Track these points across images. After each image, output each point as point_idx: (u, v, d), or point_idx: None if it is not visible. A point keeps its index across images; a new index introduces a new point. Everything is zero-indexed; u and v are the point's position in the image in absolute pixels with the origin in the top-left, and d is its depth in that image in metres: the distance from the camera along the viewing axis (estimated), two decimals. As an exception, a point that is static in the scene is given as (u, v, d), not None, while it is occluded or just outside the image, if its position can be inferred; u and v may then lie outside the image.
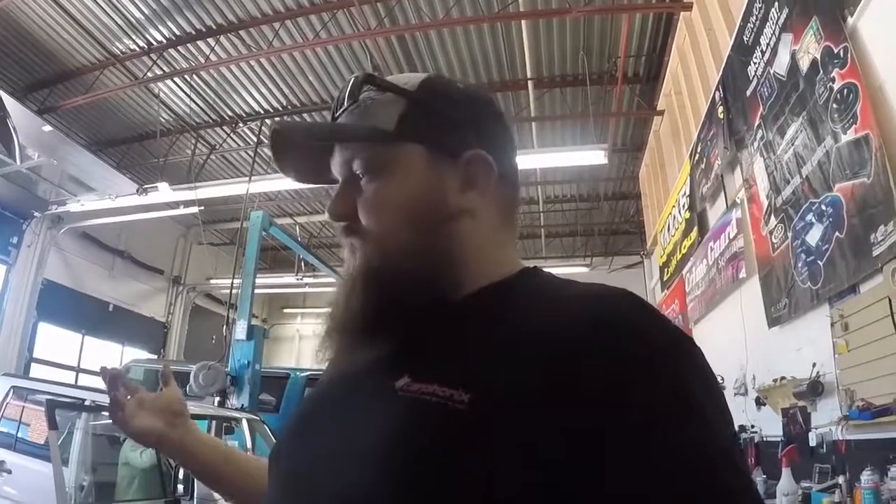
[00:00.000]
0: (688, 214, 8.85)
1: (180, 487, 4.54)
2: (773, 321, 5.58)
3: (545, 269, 0.87)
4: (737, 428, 4.34)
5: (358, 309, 0.80)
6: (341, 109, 0.89)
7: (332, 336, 0.84)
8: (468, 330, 0.75)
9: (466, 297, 0.81)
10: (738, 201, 6.72)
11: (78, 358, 13.23)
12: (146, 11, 9.17)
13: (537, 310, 0.73)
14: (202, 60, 10.00)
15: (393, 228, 0.81)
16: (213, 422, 6.14)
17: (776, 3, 5.11)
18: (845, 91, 4.13)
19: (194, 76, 10.62)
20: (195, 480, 4.26)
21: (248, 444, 6.89)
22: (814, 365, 4.61)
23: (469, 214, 0.84)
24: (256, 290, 8.29)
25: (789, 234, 5.22)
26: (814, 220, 4.74)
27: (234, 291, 8.95)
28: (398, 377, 0.71)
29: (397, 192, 0.82)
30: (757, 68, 5.67)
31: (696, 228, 8.48)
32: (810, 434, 4.46)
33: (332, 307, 0.85)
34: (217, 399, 7.23)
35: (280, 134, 0.89)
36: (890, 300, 3.70)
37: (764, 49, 5.45)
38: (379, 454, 0.65)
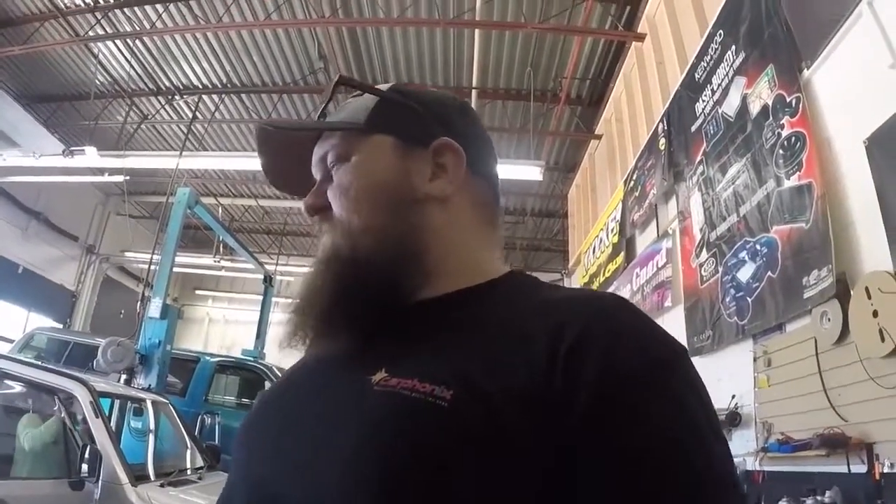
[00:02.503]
0: (616, 239, 9.09)
1: (85, 467, 4.34)
2: (694, 351, 5.76)
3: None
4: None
5: (325, 291, 0.80)
6: (321, 109, 0.91)
7: (299, 321, 0.82)
8: (450, 328, 0.74)
9: (449, 295, 0.80)
10: (671, 232, 6.94)
11: (-20, 318, 12.59)
12: (98, -33, 8.80)
13: (525, 311, 0.72)
14: (147, 26, 9.64)
15: (359, 210, 0.82)
16: (119, 400, 5.90)
17: (733, 47, 5.31)
18: (793, 139, 4.33)
19: (137, 41, 10.24)
20: (101, 460, 4.08)
21: (152, 426, 6.68)
22: (733, 396, 4.80)
23: (438, 202, 0.84)
24: (173, 269, 8.05)
25: (720, 269, 5.43)
26: (747, 258, 4.95)
27: (151, 267, 8.68)
28: (374, 371, 0.69)
29: (363, 177, 0.83)
30: (705, 106, 5.88)
31: (623, 253, 8.71)
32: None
33: (301, 291, 0.83)
34: (124, 377, 6.98)
35: (264, 130, 0.89)
36: (816, 341, 3.89)
37: (715, 88, 5.66)
38: (356, 450, 0.63)
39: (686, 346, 0.68)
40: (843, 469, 3.43)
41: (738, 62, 5.24)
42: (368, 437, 0.63)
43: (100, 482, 4.26)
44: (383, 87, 0.90)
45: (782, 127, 4.49)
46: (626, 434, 0.59)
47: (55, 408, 4.66)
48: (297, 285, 0.85)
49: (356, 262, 0.79)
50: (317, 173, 0.89)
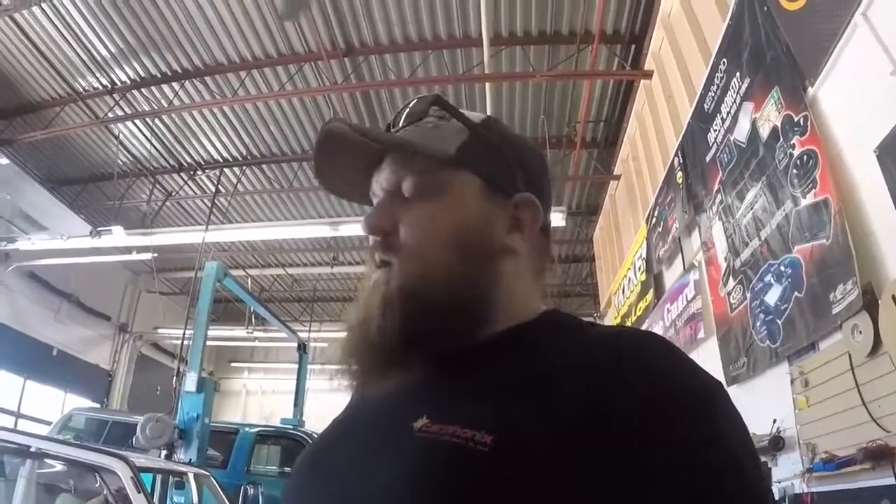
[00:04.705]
0: (644, 277, 9.05)
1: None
2: (731, 380, 5.69)
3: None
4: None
5: (393, 328, 0.77)
6: (402, 124, 0.87)
7: (356, 355, 0.80)
8: (491, 370, 0.74)
9: (489, 338, 0.78)
10: (696, 264, 6.91)
11: (18, 402, 12.73)
12: (112, 50, 9.17)
13: (563, 351, 0.72)
14: (165, 104, 9.98)
15: (439, 251, 0.79)
16: (160, 475, 5.92)
17: (738, 73, 5.37)
18: (805, 157, 4.34)
19: (155, 119, 10.57)
20: (144, 538, 4.08)
21: (195, 500, 6.68)
22: (774, 421, 4.71)
23: (513, 256, 0.83)
24: (206, 342, 8.13)
25: (748, 295, 5.39)
26: (773, 280, 4.91)
27: (184, 342, 8.76)
28: (416, 417, 0.69)
29: (449, 217, 0.81)
30: (717, 135, 5.92)
31: (652, 290, 8.66)
32: (773, 489, 4.54)
33: (355, 324, 0.81)
34: (164, 452, 7.00)
35: (333, 133, 0.84)
36: (850, 356, 3.84)
37: (724, 117, 5.70)
38: (397, 497, 0.64)
39: (721, 380, 0.70)
40: (891, 481, 3.34)
41: (744, 88, 5.29)
42: (409, 486, 0.64)
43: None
44: (477, 115, 0.90)
45: (793, 147, 4.50)
46: (669, 472, 0.60)
47: (96, 485, 4.68)
48: (332, 351, 0.82)
49: (425, 300, 0.77)
50: (383, 188, 0.86)
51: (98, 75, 9.74)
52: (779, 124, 4.70)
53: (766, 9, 4.76)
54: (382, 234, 0.82)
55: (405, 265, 0.80)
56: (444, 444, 0.64)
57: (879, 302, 3.53)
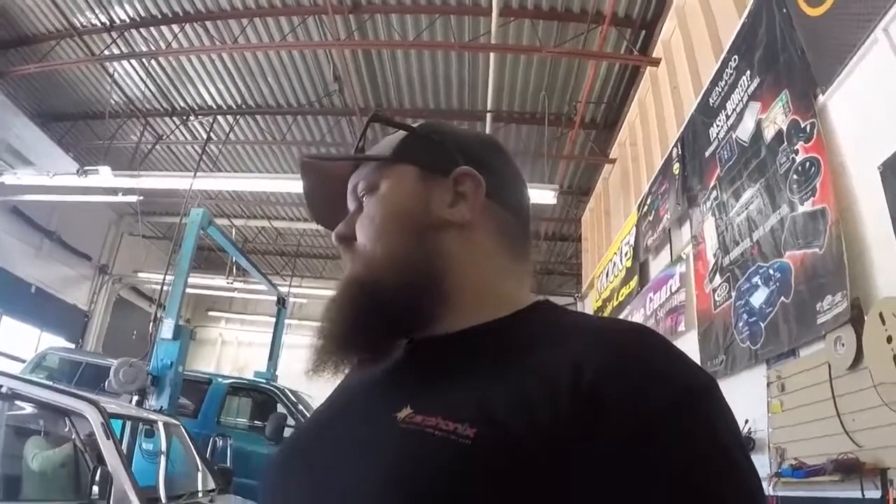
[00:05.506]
0: (629, 263, 9.08)
1: (95, 489, 4.32)
2: (707, 375, 5.72)
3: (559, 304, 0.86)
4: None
5: (343, 318, 0.81)
6: (356, 145, 0.94)
7: (321, 349, 0.82)
8: (476, 362, 0.74)
9: (474, 328, 0.79)
10: (684, 256, 6.93)
11: (-8, 338, 12.62)
12: (113, -14, 8.94)
13: (549, 344, 0.71)
14: (163, 46, 9.77)
15: (379, 238, 0.84)
16: (130, 422, 5.89)
17: (748, 72, 5.34)
18: (807, 164, 4.33)
19: (152, 61, 10.36)
20: (112, 482, 4.06)
21: (164, 449, 6.67)
22: (746, 421, 4.76)
23: (457, 229, 0.84)
24: (185, 290, 8.07)
25: (733, 294, 5.42)
26: (760, 282, 4.94)
27: (164, 288, 8.70)
28: (400, 408, 0.69)
29: (385, 205, 0.86)
30: (719, 131, 5.89)
31: (636, 278, 8.70)
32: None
33: (321, 320, 0.84)
34: (135, 398, 6.98)
35: (305, 163, 0.94)
36: (830, 366, 3.87)
37: (729, 113, 5.67)
38: (380, 489, 0.63)
39: (710, 374, 0.70)
40: (857, 494, 3.39)
41: (752, 87, 5.26)
42: (393, 476, 0.63)
43: (111, 503, 4.25)
44: (417, 124, 0.94)
45: (796, 152, 4.49)
46: (658, 467, 0.59)
47: (66, 429, 4.64)
48: (311, 307, 0.87)
49: (372, 288, 0.80)
50: (351, 204, 0.92)
51: (97, 11, 9.49)
52: (784, 128, 4.68)
53: (784, 10, 4.71)
54: (343, 240, 0.89)
55: (356, 259, 0.86)
56: (427, 436, 0.64)
57: (866, 318, 3.55)
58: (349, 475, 0.68)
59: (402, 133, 0.91)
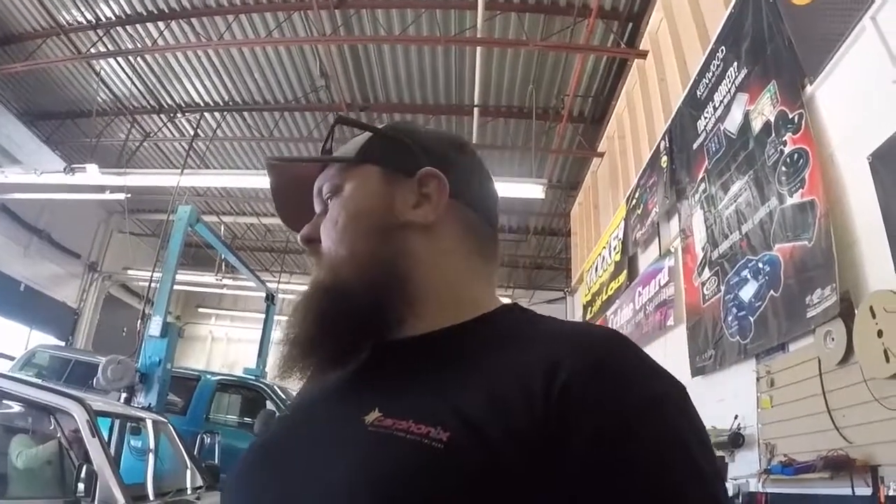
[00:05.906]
0: (618, 257, 9.03)
1: (81, 486, 4.27)
2: (696, 370, 5.69)
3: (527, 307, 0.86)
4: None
5: (308, 322, 0.80)
6: (323, 147, 0.96)
7: (288, 353, 0.82)
8: (444, 365, 0.73)
9: (442, 330, 0.79)
10: (672, 250, 6.88)
11: (-19, 336, 12.53)
12: (100, -17, 8.83)
13: (518, 348, 0.71)
14: (149, 43, 9.67)
15: (342, 239, 0.83)
16: (117, 420, 5.84)
17: (735, 63, 5.28)
18: (796, 156, 4.28)
19: (138, 58, 10.30)
20: (97, 480, 4.01)
21: (151, 446, 6.62)
22: (735, 417, 4.72)
23: (420, 230, 0.84)
24: (174, 287, 8.01)
25: (722, 288, 5.36)
26: (749, 276, 4.88)
27: (152, 285, 8.64)
28: (367, 411, 0.68)
29: (348, 206, 0.85)
30: (707, 123, 5.84)
31: (625, 272, 8.65)
32: (729, 485, 4.55)
33: (287, 324, 0.84)
34: (123, 395, 6.93)
35: (271, 165, 0.95)
36: (820, 361, 3.82)
37: (717, 105, 5.62)
38: (350, 493, 0.62)
39: (687, 370, 0.66)
40: (848, 491, 3.34)
41: (740, 78, 5.20)
42: (363, 481, 0.62)
43: (96, 502, 4.20)
44: (383, 126, 0.94)
45: (785, 144, 4.43)
46: (624, 471, 0.59)
47: (51, 427, 4.61)
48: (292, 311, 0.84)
49: (336, 293, 0.80)
50: (317, 206, 0.92)
51: (83, 9, 9.39)
52: (772, 119, 4.63)
53: (771, 0, 4.65)
54: (308, 242, 0.89)
55: (321, 263, 0.86)
56: (398, 441, 0.64)
57: (856, 311, 3.50)
58: (317, 479, 0.66)
59: (367, 134, 0.91)
